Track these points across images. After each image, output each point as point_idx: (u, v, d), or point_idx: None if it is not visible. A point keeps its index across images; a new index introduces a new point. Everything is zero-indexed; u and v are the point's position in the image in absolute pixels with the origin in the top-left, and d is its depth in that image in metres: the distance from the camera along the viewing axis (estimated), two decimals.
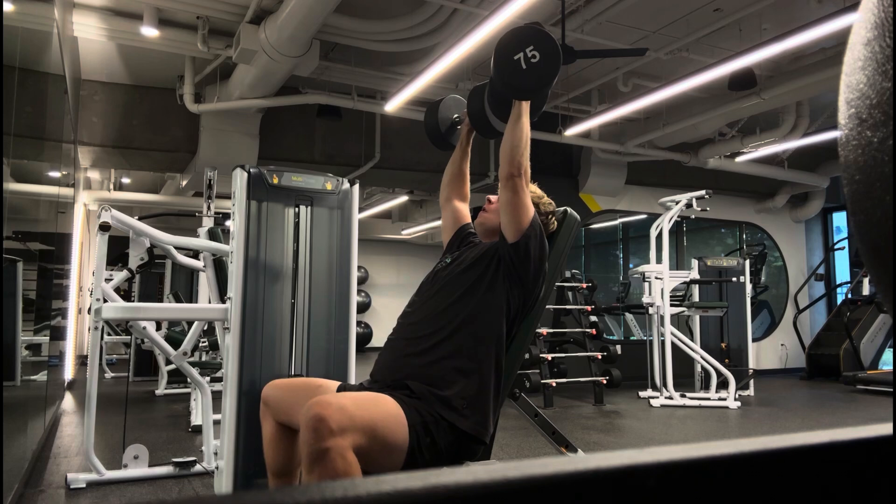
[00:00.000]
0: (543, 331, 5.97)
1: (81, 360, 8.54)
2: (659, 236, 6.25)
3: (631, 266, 9.67)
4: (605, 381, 5.86)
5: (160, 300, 7.46)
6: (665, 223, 6.16)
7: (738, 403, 5.77)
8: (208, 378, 3.78)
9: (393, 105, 5.99)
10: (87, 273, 8.24)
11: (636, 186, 8.40)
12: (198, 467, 3.15)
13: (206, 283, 3.96)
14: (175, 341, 3.47)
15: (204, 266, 3.47)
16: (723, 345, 6.78)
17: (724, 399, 5.81)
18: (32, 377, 3.47)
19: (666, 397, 5.89)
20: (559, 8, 4.51)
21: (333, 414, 1.34)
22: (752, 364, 6.72)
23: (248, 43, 4.88)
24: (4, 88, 2.03)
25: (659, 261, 6.21)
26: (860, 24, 0.30)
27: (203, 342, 4.02)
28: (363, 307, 13.21)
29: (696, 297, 6.68)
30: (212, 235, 3.70)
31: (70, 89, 4.80)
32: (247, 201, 2.39)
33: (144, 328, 3.11)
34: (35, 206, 3.65)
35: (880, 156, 0.28)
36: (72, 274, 6.71)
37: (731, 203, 9.05)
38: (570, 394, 6.42)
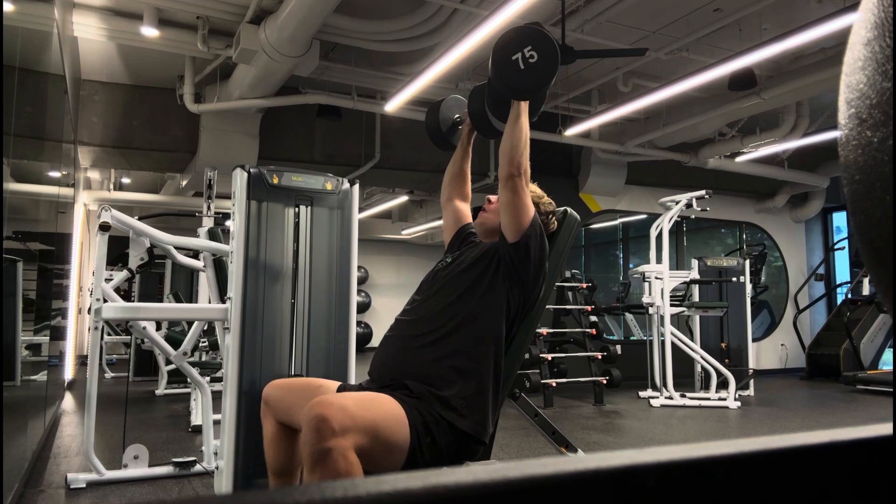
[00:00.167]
0: (543, 331, 5.97)
1: (81, 360, 8.54)
2: (659, 236, 6.25)
3: (631, 266, 9.67)
4: (605, 381, 5.86)
5: (160, 300, 7.46)
6: (665, 223, 6.16)
7: (738, 403, 5.77)
8: (208, 378, 3.78)
9: (393, 105, 5.99)
10: (87, 273, 8.24)
11: (636, 186, 8.40)
12: (198, 467, 3.15)
13: (206, 283, 3.96)
14: (175, 341, 3.47)
15: (204, 266, 3.47)
16: (723, 345, 6.78)
17: (724, 399, 5.81)
18: (32, 377, 3.47)
19: (666, 397, 5.89)
20: (559, 8, 4.51)
21: (335, 414, 1.34)
22: (752, 364, 6.72)
23: (248, 43, 4.88)
24: (4, 88, 2.03)
25: (659, 261, 6.21)
26: (860, 24, 0.30)
27: (203, 342, 4.02)
28: (363, 307, 13.21)
29: (696, 297, 6.68)
30: (212, 235, 3.70)
31: (70, 89, 4.80)
32: (247, 201, 2.39)
33: (144, 328, 3.11)
34: (35, 206, 3.65)
35: (880, 156, 0.28)
36: (72, 274, 6.71)
37: (731, 203, 9.05)
38: (570, 394, 6.42)
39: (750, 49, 4.80)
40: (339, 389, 1.72)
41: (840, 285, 9.57)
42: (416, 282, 1.93)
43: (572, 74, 6.18)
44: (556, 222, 1.96)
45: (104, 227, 3.02)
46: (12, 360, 2.81)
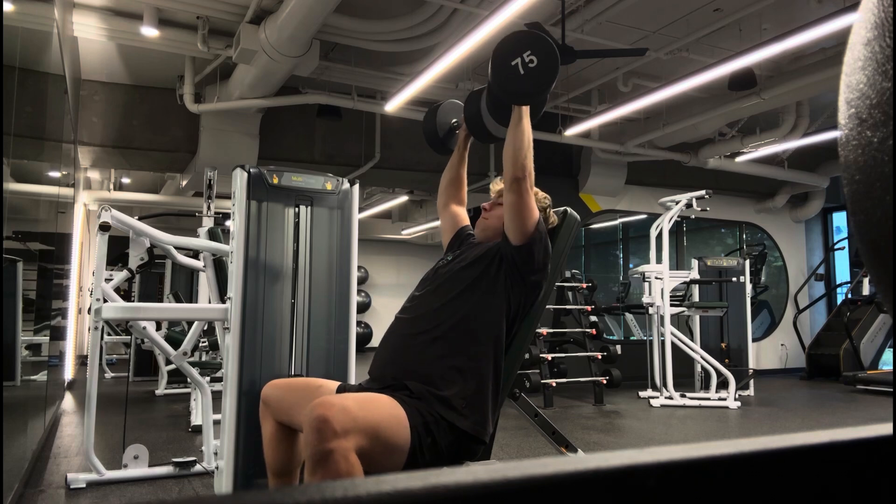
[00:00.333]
0: (543, 331, 5.97)
1: (81, 360, 8.54)
2: (659, 236, 6.25)
3: (631, 266, 9.67)
4: (605, 381, 5.86)
5: (160, 300, 7.46)
6: (665, 223, 6.16)
7: (738, 403, 5.77)
8: (208, 378, 3.78)
9: (393, 105, 5.99)
10: (87, 273, 8.24)
11: (636, 186, 8.40)
12: (198, 467, 3.15)
13: (206, 283, 3.96)
14: (175, 341, 3.47)
15: (204, 266, 3.47)
16: (723, 345, 6.78)
17: (724, 399, 5.81)
18: (32, 377, 3.47)
19: (666, 397, 5.89)
20: (559, 8, 4.51)
21: (336, 415, 1.34)
22: (752, 364, 6.72)
23: (248, 43, 4.88)
24: (4, 88, 2.03)
25: (659, 261, 6.21)
26: (860, 24, 0.30)
27: (203, 342, 4.02)
28: (363, 307, 13.21)
29: (696, 297, 6.68)
30: (212, 235, 3.70)
31: (70, 89, 4.80)
32: (247, 201, 2.39)
33: (144, 328, 3.11)
34: (35, 206, 3.65)
35: (880, 156, 0.28)
36: (72, 274, 6.71)
37: (731, 203, 9.05)
38: (570, 394, 6.42)
39: (750, 49, 4.81)
40: (339, 389, 1.72)
41: (840, 285, 9.57)
42: (416, 282, 1.93)
43: (572, 74, 6.18)
44: (554, 217, 1.95)
45: (104, 227, 3.02)
46: (12, 360, 2.81)
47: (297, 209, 2.49)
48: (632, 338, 8.81)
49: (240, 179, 2.40)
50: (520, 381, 5.22)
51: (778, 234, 9.61)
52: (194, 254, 3.93)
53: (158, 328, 3.82)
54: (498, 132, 1.94)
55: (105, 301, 3.00)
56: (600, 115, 6.41)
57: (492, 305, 1.71)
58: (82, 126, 6.32)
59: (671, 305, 6.10)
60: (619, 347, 6.19)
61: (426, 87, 5.61)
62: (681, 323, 6.75)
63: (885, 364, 8.20)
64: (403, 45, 5.38)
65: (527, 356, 4.96)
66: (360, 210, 7.90)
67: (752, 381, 6.62)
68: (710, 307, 6.32)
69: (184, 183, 7.69)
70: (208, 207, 4.60)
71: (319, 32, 4.94)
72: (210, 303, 3.64)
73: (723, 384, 5.99)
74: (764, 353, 9.06)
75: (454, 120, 2.15)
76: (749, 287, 6.93)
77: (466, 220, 2.11)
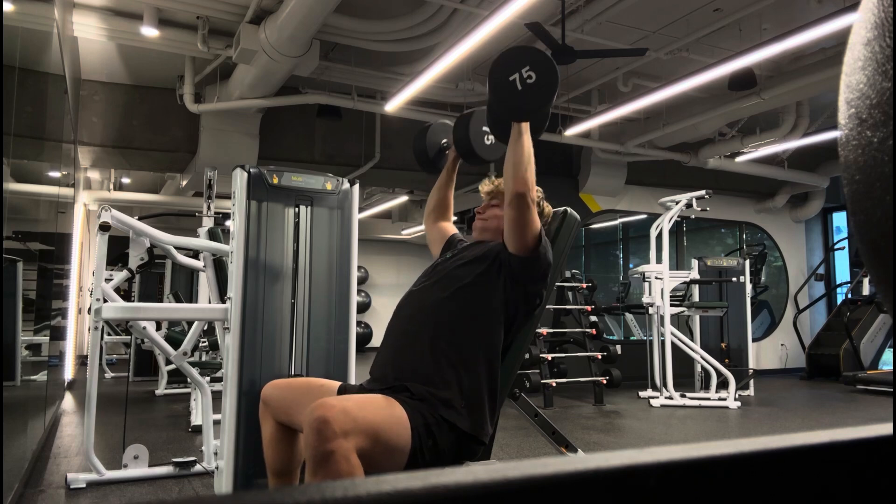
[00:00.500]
0: (543, 331, 5.97)
1: (81, 360, 8.54)
2: (659, 236, 6.25)
3: (631, 266, 9.67)
4: (605, 381, 5.86)
5: (160, 300, 7.46)
6: (665, 223, 6.16)
7: (738, 403, 5.77)
8: (208, 378, 3.78)
9: (393, 105, 5.99)
10: (87, 273, 8.24)
11: (636, 186, 8.40)
12: (198, 467, 3.15)
13: (206, 283, 3.96)
14: (175, 341, 3.47)
15: (204, 266, 3.47)
16: (723, 345, 6.78)
17: (724, 399, 5.81)
18: (32, 377, 3.47)
19: (666, 397, 5.89)
20: (559, 8, 4.51)
21: (337, 416, 1.35)
22: (752, 364, 6.72)
23: (248, 43, 4.88)
24: (4, 88, 2.03)
25: (659, 261, 6.21)
26: (860, 24, 0.30)
27: (203, 342, 4.02)
28: (363, 307, 13.21)
29: (696, 297, 6.68)
30: (212, 235, 3.70)
31: (70, 89, 4.80)
32: (247, 201, 2.39)
33: (144, 328, 3.11)
34: (35, 206, 3.65)
35: (880, 156, 0.28)
36: (72, 274, 6.71)
37: (731, 203, 9.05)
38: (570, 394, 6.42)
39: (750, 49, 4.80)
40: (340, 389, 1.72)
41: (840, 285, 9.57)
42: None
43: (572, 74, 6.18)
44: (548, 208, 1.94)
45: (104, 227, 3.02)
46: (12, 360, 2.81)
47: (297, 209, 2.49)
48: (632, 338, 8.81)
49: (240, 179, 2.40)
50: (520, 381, 5.22)
51: (778, 234, 9.61)
52: (194, 254, 3.93)
53: (158, 328, 3.82)
54: (486, 154, 1.96)
55: (105, 301, 3.00)
56: (600, 115, 6.41)
57: (489, 306, 1.70)
58: (82, 126, 6.31)
59: (671, 305, 6.10)
60: (619, 347, 6.19)
61: (426, 87, 5.61)
62: (681, 323, 6.75)
63: (885, 364, 8.20)
64: (403, 45, 5.38)
65: (527, 356, 4.96)
66: (360, 210, 7.90)
67: (752, 381, 6.62)
68: (710, 307, 6.32)
69: (184, 183, 7.69)
70: (208, 207, 4.60)
71: (319, 32, 4.94)
72: (210, 303, 3.64)
73: (723, 384, 5.99)
74: (764, 353, 9.06)
75: (444, 140, 2.17)
76: (749, 287, 6.93)
77: (454, 229, 2.13)
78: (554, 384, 5.73)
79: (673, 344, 5.96)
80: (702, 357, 6.14)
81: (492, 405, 1.68)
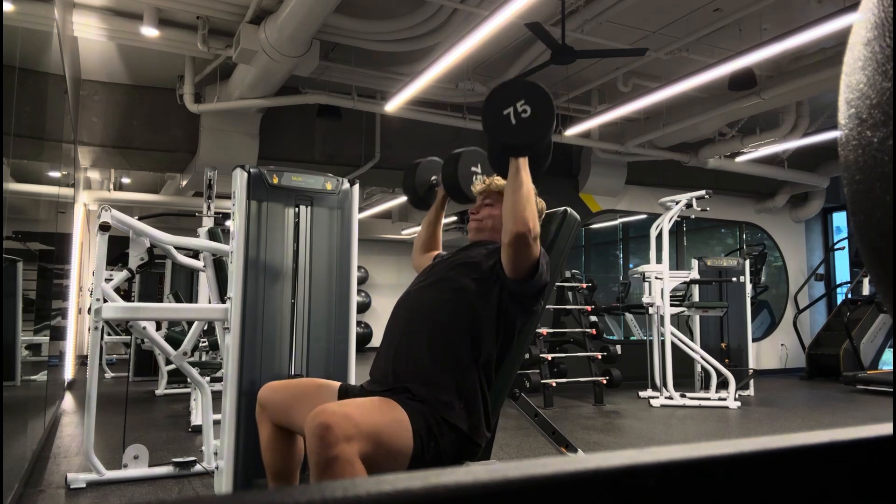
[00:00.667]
0: (543, 331, 5.97)
1: (81, 360, 8.54)
2: (659, 236, 6.25)
3: (631, 266, 9.67)
4: (605, 381, 5.86)
5: (160, 300, 7.46)
6: (665, 223, 6.16)
7: (738, 403, 5.77)
8: (208, 378, 3.78)
9: (393, 105, 5.99)
10: (87, 273, 8.24)
11: (636, 186, 8.40)
12: (198, 467, 3.15)
13: (206, 283, 3.96)
14: (175, 341, 3.47)
15: (204, 266, 3.47)
16: (723, 345, 6.78)
17: (724, 399, 5.81)
18: (32, 377, 3.47)
19: (666, 397, 5.89)
20: (559, 8, 4.51)
21: (339, 422, 1.34)
22: (752, 364, 6.72)
23: (248, 43, 4.88)
24: (4, 88, 2.03)
25: (659, 261, 6.21)
26: (860, 24, 0.30)
27: (203, 342, 4.02)
28: (363, 307, 13.21)
29: (696, 297, 6.68)
30: (212, 235, 3.70)
31: (70, 89, 4.80)
32: (247, 201, 2.39)
33: (144, 328, 3.11)
34: (35, 206, 3.65)
35: (880, 156, 0.28)
36: (72, 274, 6.71)
37: (731, 203, 9.05)
38: (570, 394, 6.42)
39: (750, 49, 4.81)
40: (341, 389, 1.71)
41: (840, 285, 9.57)
42: None
43: (572, 74, 6.18)
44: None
45: (104, 227, 3.02)
46: (12, 360, 2.81)
47: (297, 209, 2.49)
48: (632, 338, 8.81)
49: (240, 179, 2.40)
50: (520, 381, 5.22)
51: (778, 234, 9.61)
52: (194, 254, 3.93)
53: (158, 328, 3.82)
54: (474, 194, 1.94)
55: (105, 301, 3.00)
56: (600, 115, 6.41)
57: (485, 308, 1.68)
58: (82, 126, 6.31)
59: (671, 305, 6.10)
60: (619, 347, 6.19)
61: (426, 87, 5.61)
62: (681, 323, 6.75)
63: (885, 364, 8.20)
64: (403, 45, 5.38)
65: (527, 356, 4.96)
66: (360, 210, 7.90)
67: (752, 381, 6.62)
68: (710, 307, 6.32)
69: (184, 183, 7.69)
70: (208, 207, 4.60)
71: (319, 32, 4.94)
72: (210, 303, 3.64)
73: (723, 384, 5.99)
74: (764, 353, 9.06)
75: (433, 178, 2.18)
76: (749, 287, 6.93)
77: (440, 249, 2.15)
78: (554, 384, 5.73)
79: (673, 344, 5.96)
80: (702, 357, 6.14)
81: (491, 405, 1.68)
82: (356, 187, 2.64)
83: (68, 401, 5.86)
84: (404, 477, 0.25)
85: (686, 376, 6.69)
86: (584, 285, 6.45)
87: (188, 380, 4.57)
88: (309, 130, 7.00)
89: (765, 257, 9.21)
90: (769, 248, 9.48)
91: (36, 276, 3.54)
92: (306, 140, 7.05)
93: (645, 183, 8.40)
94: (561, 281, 6.17)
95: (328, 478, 1.31)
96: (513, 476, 0.26)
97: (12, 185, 2.74)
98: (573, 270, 6.49)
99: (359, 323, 12.05)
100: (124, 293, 7.78)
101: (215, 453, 2.54)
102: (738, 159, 7.85)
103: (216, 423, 2.82)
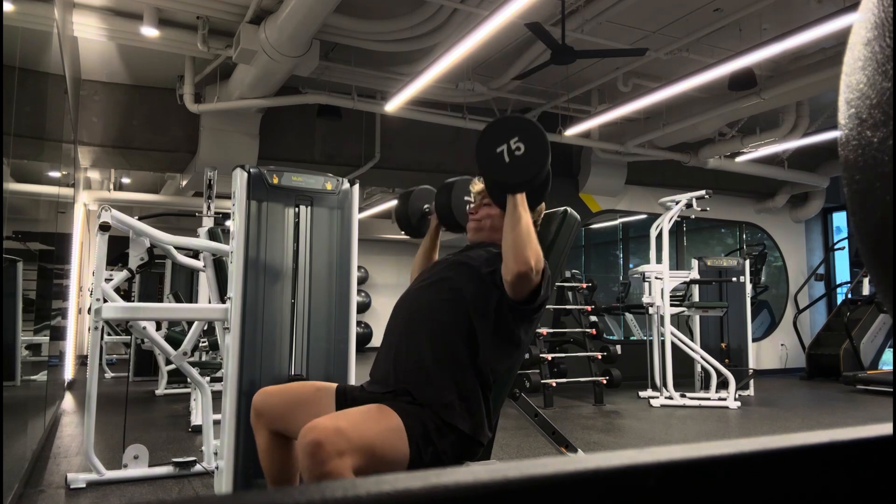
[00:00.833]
0: (543, 331, 5.97)
1: (81, 360, 8.54)
2: (659, 236, 6.25)
3: (631, 266, 9.67)
4: (605, 381, 5.86)
5: (160, 300, 7.46)
6: (665, 223, 6.16)
7: (738, 403, 5.77)
8: (208, 378, 3.78)
9: (393, 105, 5.99)
10: (87, 273, 8.24)
11: (636, 186, 8.40)
12: (198, 467, 3.15)
13: (206, 283, 3.96)
14: (175, 341, 3.47)
15: (204, 266, 3.47)
16: (723, 345, 6.78)
17: (724, 399, 5.81)
18: (32, 377, 3.47)
19: (666, 397, 5.89)
20: (559, 8, 4.51)
21: (330, 437, 1.33)
22: (752, 364, 6.72)
23: (248, 43, 4.88)
24: (4, 88, 2.03)
25: (659, 261, 6.21)
26: (860, 24, 0.30)
27: (203, 342, 4.02)
28: (363, 307, 13.21)
29: (696, 297, 6.68)
30: (212, 235, 3.70)
31: (70, 89, 4.80)
32: (247, 201, 2.39)
33: (144, 328, 3.11)
34: (35, 206, 3.65)
35: (880, 156, 0.28)
36: (72, 274, 6.71)
37: (731, 203, 9.05)
38: (570, 394, 6.42)
39: (750, 49, 4.81)
40: (339, 390, 1.69)
41: (840, 285, 9.57)
42: None
43: (572, 74, 6.18)
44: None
45: (104, 227, 3.02)
46: (12, 360, 2.81)
47: (297, 209, 2.49)
48: (632, 338, 8.81)
49: (240, 179, 2.40)
50: (520, 381, 5.22)
51: (778, 234, 9.61)
52: (194, 254, 3.93)
53: (158, 328, 3.82)
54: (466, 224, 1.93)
55: (105, 301, 3.00)
56: (600, 115, 6.41)
57: (484, 310, 1.67)
58: (82, 126, 6.32)
59: (671, 305, 6.10)
60: (619, 347, 6.19)
61: (426, 87, 5.61)
62: (681, 323, 6.75)
63: (885, 364, 8.20)
64: (403, 45, 5.38)
65: (527, 356, 4.96)
66: (360, 210, 7.90)
67: (752, 381, 6.62)
68: (710, 307, 6.32)
69: (184, 183, 7.69)
70: (208, 207, 4.60)
71: (319, 32, 4.94)
72: (210, 303, 3.64)
73: (723, 384, 5.99)
74: (764, 353, 9.06)
75: (426, 206, 2.16)
76: (749, 287, 6.93)
77: None
78: (554, 384, 5.73)
79: (673, 344, 5.96)
80: (702, 357, 6.14)
81: (491, 406, 1.68)
82: (356, 187, 2.64)
83: (68, 401, 5.86)
84: (404, 477, 0.25)
85: (686, 376, 6.69)
86: (584, 285, 6.45)
87: (188, 380, 4.57)
88: (309, 130, 7.00)
89: (765, 257, 9.21)
90: (769, 248, 9.48)
91: (36, 276, 3.54)
92: (306, 140, 7.05)
93: (645, 183, 8.40)
94: (561, 281, 6.17)
95: None
96: (513, 476, 0.26)
97: (12, 185, 2.74)
98: (573, 270, 6.49)
99: (359, 323, 12.05)
100: (124, 293, 7.78)
101: (215, 453, 2.54)
102: (738, 159, 7.85)
103: (216, 423, 2.82)
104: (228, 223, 2.80)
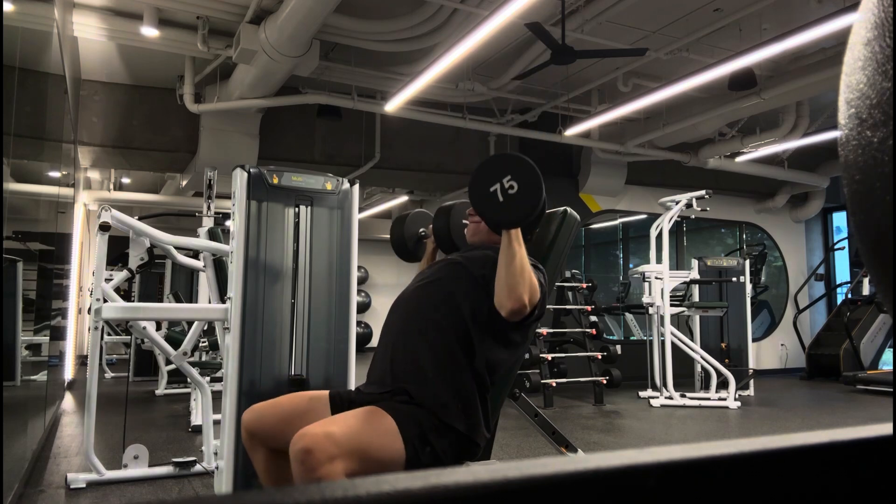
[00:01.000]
0: (543, 331, 5.97)
1: (81, 360, 8.54)
2: (659, 236, 6.25)
3: (631, 266, 9.67)
4: (605, 381, 5.86)
5: (160, 300, 7.46)
6: (665, 223, 6.16)
7: (738, 403, 5.77)
8: (208, 378, 3.78)
9: (393, 105, 5.99)
10: (87, 273, 8.24)
11: (636, 186, 8.40)
12: (198, 467, 3.15)
13: (206, 283, 3.96)
14: (175, 341, 3.47)
15: (204, 266, 3.47)
16: (723, 345, 6.78)
17: (724, 399, 5.81)
18: (32, 377, 3.47)
19: (666, 397, 5.89)
20: (559, 8, 4.51)
21: (320, 443, 1.32)
22: (752, 364, 6.72)
23: (248, 43, 4.88)
24: (4, 88, 2.03)
25: (659, 261, 6.21)
26: (860, 24, 0.30)
27: (203, 342, 4.02)
28: (363, 307, 13.20)
29: (696, 297, 6.68)
30: (212, 235, 3.70)
31: (70, 89, 4.80)
32: (247, 201, 2.39)
33: (144, 328, 3.11)
34: (35, 206, 3.65)
35: (880, 156, 0.28)
36: (72, 274, 6.71)
37: (731, 203, 9.05)
38: (570, 394, 6.42)
39: (750, 49, 4.81)
40: (332, 396, 1.66)
41: (840, 285, 9.57)
42: None
43: (572, 74, 6.18)
44: None
45: (104, 227, 3.02)
46: (12, 360, 2.81)
47: (297, 209, 2.49)
48: (632, 338, 8.81)
49: (240, 179, 2.40)
50: (520, 381, 5.22)
51: (778, 234, 9.61)
52: (194, 254, 3.93)
53: (158, 328, 3.82)
54: (466, 246, 1.92)
55: (105, 301, 3.00)
56: (600, 115, 6.41)
57: (481, 310, 1.66)
58: (82, 126, 6.32)
59: (671, 305, 6.10)
60: (619, 347, 6.19)
61: (426, 87, 5.61)
62: (681, 323, 6.75)
63: (885, 364, 8.20)
64: (403, 45, 5.38)
65: (527, 356, 4.96)
66: (360, 210, 7.91)
67: (752, 381, 6.63)
68: (710, 307, 6.32)
69: (184, 183, 7.69)
70: (208, 207, 4.60)
71: (319, 32, 4.94)
72: (210, 303, 3.64)
73: (723, 384, 5.99)
74: (764, 353, 9.06)
75: (422, 230, 2.17)
76: (749, 287, 6.93)
77: None
78: (554, 384, 5.73)
79: (673, 344, 5.96)
80: (702, 357, 6.14)
81: (490, 406, 1.67)
82: (356, 187, 2.64)
83: (68, 401, 5.86)
84: (404, 477, 0.25)
85: (686, 376, 6.69)
86: (584, 285, 6.45)
87: (188, 380, 4.57)
88: (309, 130, 7.00)
89: (765, 257, 9.21)
90: (769, 248, 9.48)
91: (36, 276, 3.54)
92: (306, 140, 7.05)
93: (645, 183, 8.40)
94: (561, 281, 6.17)
95: None
96: (513, 476, 0.26)
97: (12, 185, 2.74)
98: (573, 270, 6.49)
99: (359, 323, 12.05)
100: (124, 293, 7.78)
101: (215, 453, 2.53)
102: (738, 159, 7.85)
103: (216, 423, 2.82)
104: (228, 223, 2.80)
